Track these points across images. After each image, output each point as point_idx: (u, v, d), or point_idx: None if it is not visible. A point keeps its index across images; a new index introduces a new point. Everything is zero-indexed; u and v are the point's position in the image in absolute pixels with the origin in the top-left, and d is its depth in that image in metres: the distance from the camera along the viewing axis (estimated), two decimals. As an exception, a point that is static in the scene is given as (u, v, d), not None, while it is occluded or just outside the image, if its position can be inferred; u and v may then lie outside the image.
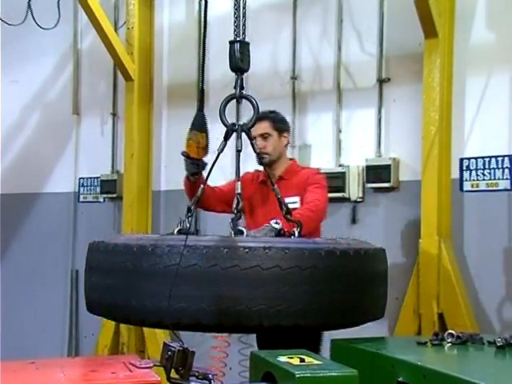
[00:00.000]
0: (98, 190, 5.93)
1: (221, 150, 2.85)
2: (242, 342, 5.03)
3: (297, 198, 3.42)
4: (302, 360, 2.09)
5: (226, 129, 2.85)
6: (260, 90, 5.18)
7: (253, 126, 2.91)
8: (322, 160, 4.83)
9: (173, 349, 1.92)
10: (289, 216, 2.89)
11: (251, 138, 2.90)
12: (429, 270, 4.08)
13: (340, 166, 4.72)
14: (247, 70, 2.92)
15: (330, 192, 4.81)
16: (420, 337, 3.47)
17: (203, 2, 3.28)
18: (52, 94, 6.28)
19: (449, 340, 2.59)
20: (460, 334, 2.61)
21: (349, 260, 2.45)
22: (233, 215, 2.70)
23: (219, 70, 5.30)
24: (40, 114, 6.34)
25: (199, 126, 2.92)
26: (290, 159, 3.74)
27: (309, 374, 1.91)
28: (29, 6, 4.58)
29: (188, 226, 2.66)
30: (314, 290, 2.36)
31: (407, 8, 4.14)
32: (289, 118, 4.99)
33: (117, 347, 5.26)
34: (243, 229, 2.67)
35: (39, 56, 6.16)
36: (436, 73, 4.11)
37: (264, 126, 3.59)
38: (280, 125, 3.68)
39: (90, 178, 6.01)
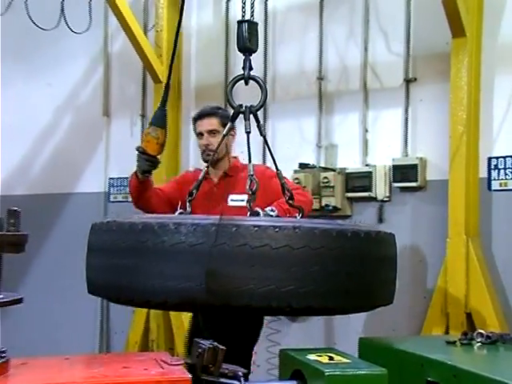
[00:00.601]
0: (128, 189, 5.95)
1: (226, 132, 2.76)
2: (269, 340, 5.02)
3: (244, 196, 3.35)
4: (331, 358, 2.07)
5: (233, 111, 2.72)
6: (287, 90, 5.18)
7: (260, 108, 2.76)
8: (348, 160, 4.79)
9: (203, 346, 1.91)
10: (291, 201, 2.78)
11: (258, 121, 2.75)
12: (457, 269, 4.02)
13: (367, 165, 4.67)
14: (255, 51, 2.75)
15: (357, 191, 4.82)
16: (449, 336, 3.41)
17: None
18: (83, 97, 6.33)
19: (478, 340, 2.55)
20: (490, 334, 2.56)
21: (371, 242, 2.30)
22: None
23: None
24: (72, 116, 6.40)
25: (161, 121, 2.77)
26: (234, 157, 3.59)
27: (338, 372, 1.89)
28: (62, 11, 4.62)
29: (189, 209, 2.57)
30: (339, 271, 2.19)
31: (434, 7, 4.09)
32: (315, 118, 5.01)
33: (146, 344, 5.29)
34: (259, 210, 2.57)
35: (71, 59, 6.22)
36: (464, 72, 4.05)
37: (212, 123, 3.46)
38: (226, 121, 3.59)
39: (120, 178, 6.04)
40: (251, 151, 2.68)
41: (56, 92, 6.29)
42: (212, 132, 3.44)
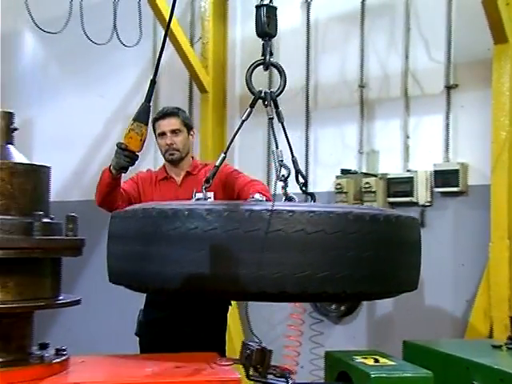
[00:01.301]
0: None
1: (246, 118, 2.56)
2: (313, 342, 5.00)
3: (209, 194, 3.28)
4: (377, 360, 2.05)
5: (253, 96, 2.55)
6: (329, 98, 5.16)
7: (280, 93, 2.61)
8: (389, 165, 4.75)
9: (252, 348, 1.91)
10: (305, 188, 2.69)
11: (277, 107, 2.59)
12: (499, 273, 3.94)
13: (408, 171, 4.62)
14: (274, 35, 2.59)
15: (398, 196, 4.76)
16: (494, 340, 3.34)
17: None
18: (133, 107, 6.41)
19: (524, 344, 2.49)
20: (535, 338, 2.50)
21: (391, 226, 2.10)
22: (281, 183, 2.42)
23: (288, 81, 5.31)
24: (122, 126, 6.49)
25: (145, 118, 2.58)
26: (192, 156, 3.51)
27: (384, 375, 1.87)
28: (114, 26, 4.71)
29: (207, 195, 2.44)
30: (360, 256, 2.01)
31: (475, 14, 4.02)
32: (357, 125, 4.98)
33: (194, 344, 5.31)
34: (294, 196, 2.42)
35: (122, 72, 6.32)
36: (506, 78, 3.97)
37: (175, 122, 3.39)
38: (188, 122, 3.48)
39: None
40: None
41: (107, 103, 6.40)
42: (175, 131, 3.37)
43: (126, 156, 2.73)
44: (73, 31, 5.14)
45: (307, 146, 5.13)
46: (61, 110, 6.66)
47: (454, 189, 4.35)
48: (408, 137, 4.67)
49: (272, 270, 1.90)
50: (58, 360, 1.61)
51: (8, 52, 7.51)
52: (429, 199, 4.50)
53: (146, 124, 2.57)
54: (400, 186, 4.62)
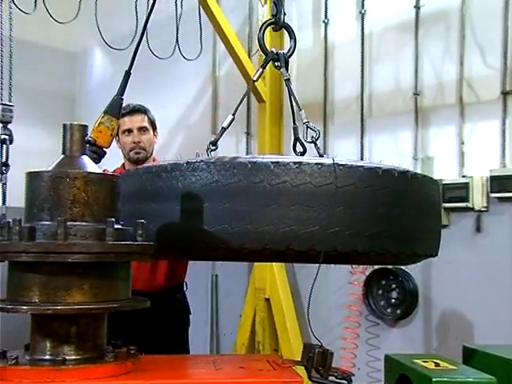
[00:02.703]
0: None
1: (257, 79, 2.50)
2: (369, 345, 4.93)
3: None
4: (437, 364, 1.99)
5: (265, 57, 2.48)
6: (383, 106, 5.09)
7: (291, 55, 2.51)
8: (444, 171, 4.64)
9: (313, 350, 1.89)
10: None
11: (287, 66, 2.49)
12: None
13: (463, 176, 4.51)
14: None
15: (454, 202, 4.64)
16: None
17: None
18: (194, 117, 6.51)
19: None
20: None
21: (409, 183, 1.92)
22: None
23: (344, 90, 5.28)
24: (184, 136, 6.59)
25: (116, 111, 2.26)
26: (153, 159, 3.34)
27: (446, 379, 1.82)
28: (177, 41, 4.80)
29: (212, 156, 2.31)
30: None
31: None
32: (411, 132, 4.89)
33: (253, 345, 5.32)
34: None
35: (183, 83, 6.42)
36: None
37: (142, 119, 3.20)
38: (154, 122, 3.31)
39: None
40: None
41: (170, 113, 6.51)
42: (142, 129, 3.20)
43: (94, 152, 2.27)
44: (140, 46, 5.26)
45: (362, 153, 5.08)
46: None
47: (511, 194, 4.22)
48: (463, 143, 4.56)
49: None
50: (130, 359, 1.64)
51: (80, 69, 7.77)
52: (485, 204, 4.38)
53: (118, 118, 2.27)
54: (455, 192, 4.51)
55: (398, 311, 4.85)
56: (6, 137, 3.42)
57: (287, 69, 2.48)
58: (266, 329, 5.25)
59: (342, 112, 5.27)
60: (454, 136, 4.61)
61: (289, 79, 2.45)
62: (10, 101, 3.53)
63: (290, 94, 2.48)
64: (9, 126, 3.46)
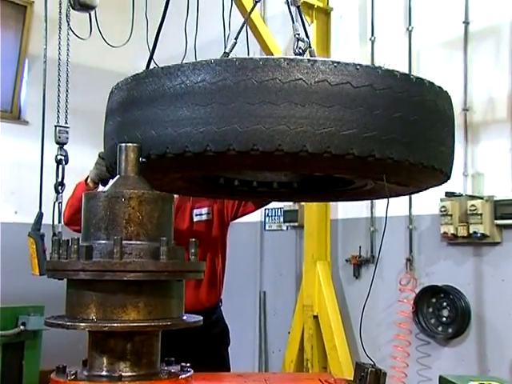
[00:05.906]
0: (282, 219, 6.05)
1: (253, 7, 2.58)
2: (420, 364, 4.82)
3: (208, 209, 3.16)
4: (494, 387, 1.93)
5: None
6: (432, 122, 5.02)
7: None
8: (496, 188, 4.53)
9: (366, 369, 1.87)
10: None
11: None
12: None
13: (516, 192, 4.40)
14: None
15: (506, 218, 4.50)
16: None
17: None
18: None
19: None
20: None
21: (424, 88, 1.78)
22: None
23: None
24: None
25: None
26: None
27: (504, 402, 1.76)
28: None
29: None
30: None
31: None
32: (461, 148, 4.78)
33: (301, 363, 5.28)
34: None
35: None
36: None
37: None
38: None
39: (275, 208, 6.15)
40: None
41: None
42: None
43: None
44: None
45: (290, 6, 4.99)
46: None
47: None
48: (515, 158, 4.45)
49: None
50: (183, 376, 1.65)
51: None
52: (540, 219, 4.26)
53: None
54: (508, 209, 4.40)
55: (450, 330, 4.73)
56: (62, 157, 3.52)
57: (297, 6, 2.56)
58: (314, 346, 5.20)
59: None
60: (506, 152, 4.50)
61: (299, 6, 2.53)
62: (66, 122, 3.64)
63: (300, 18, 2.49)
64: (64, 146, 3.57)
